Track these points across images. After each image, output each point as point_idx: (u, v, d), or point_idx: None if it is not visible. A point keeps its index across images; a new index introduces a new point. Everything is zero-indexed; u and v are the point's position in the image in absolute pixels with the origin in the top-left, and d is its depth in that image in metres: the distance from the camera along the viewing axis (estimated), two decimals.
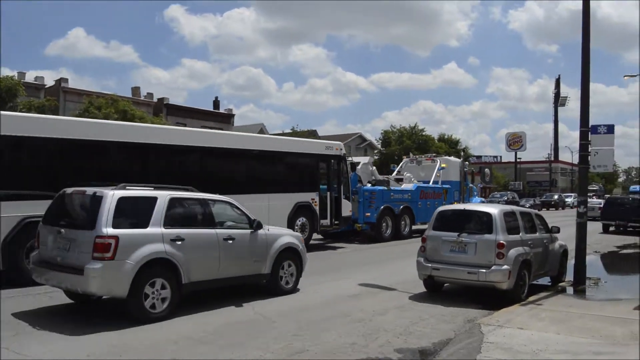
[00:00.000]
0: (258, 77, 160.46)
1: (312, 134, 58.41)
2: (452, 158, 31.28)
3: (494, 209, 10.62)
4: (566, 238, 14.43)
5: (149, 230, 8.55)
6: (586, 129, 12.17)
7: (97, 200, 8.32)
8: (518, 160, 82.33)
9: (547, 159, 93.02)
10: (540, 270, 11.75)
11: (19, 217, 11.24)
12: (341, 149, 19.82)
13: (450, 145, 64.11)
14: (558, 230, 12.74)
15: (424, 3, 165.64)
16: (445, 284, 11.50)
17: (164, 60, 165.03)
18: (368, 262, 16.09)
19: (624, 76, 38.11)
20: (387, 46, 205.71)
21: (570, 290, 12.40)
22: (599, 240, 24.92)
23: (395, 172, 27.97)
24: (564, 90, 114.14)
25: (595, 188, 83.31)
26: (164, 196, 8.92)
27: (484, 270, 9.88)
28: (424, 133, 61.71)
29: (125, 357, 6.95)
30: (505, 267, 9.90)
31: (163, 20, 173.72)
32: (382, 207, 22.26)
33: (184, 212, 9.22)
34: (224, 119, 48.35)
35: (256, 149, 16.36)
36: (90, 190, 8.71)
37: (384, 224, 22.53)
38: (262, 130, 54.97)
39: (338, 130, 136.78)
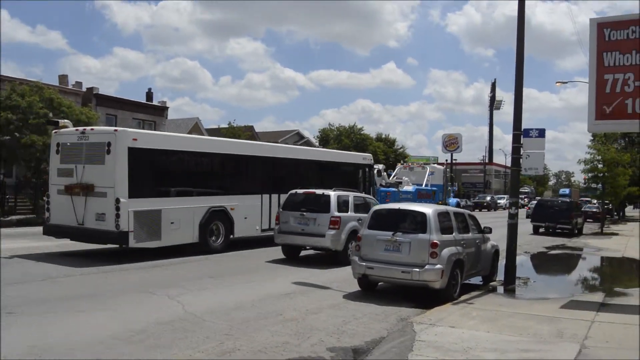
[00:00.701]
0: (194, 70, 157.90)
1: (249, 129, 57.63)
2: (437, 165, 41.54)
3: (428, 209, 10.76)
4: (498, 238, 14.61)
5: (350, 214, 15.24)
6: (519, 132, 12.41)
7: (327, 197, 15.22)
8: (454, 161, 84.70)
9: (482, 161, 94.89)
10: (472, 270, 11.96)
11: (207, 207, 16.71)
12: (370, 159, 24.85)
13: (387, 145, 64.26)
14: (490, 231, 12.97)
15: (364, 2, 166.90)
16: (380, 283, 11.52)
17: (94, 48, 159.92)
18: None
19: (556, 82, 39.62)
20: (326, 43, 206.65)
21: (500, 289, 12.56)
22: (529, 241, 25.66)
23: (393, 177, 34.52)
24: (499, 94, 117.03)
25: (527, 190, 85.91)
26: (350, 195, 15.76)
27: (418, 269, 10.03)
28: (362, 132, 61.69)
29: (46, 357, 6.81)
30: (438, 266, 10.11)
31: (94, 7, 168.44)
32: None
33: (364, 203, 15.82)
34: (157, 112, 47.32)
35: (324, 160, 22.15)
36: (319, 191, 15.64)
37: None
38: (197, 124, 54.14)
39: (276, 127, 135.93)
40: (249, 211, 17.99)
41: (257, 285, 11.86)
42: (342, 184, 19.57)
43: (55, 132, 15.88)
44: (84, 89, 42.70)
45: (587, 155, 34.26)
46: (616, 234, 32.50)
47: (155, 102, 48.85)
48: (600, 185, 35.82)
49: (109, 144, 14.54)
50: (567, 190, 78.05)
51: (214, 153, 17.05)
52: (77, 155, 15.15)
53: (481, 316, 9.48)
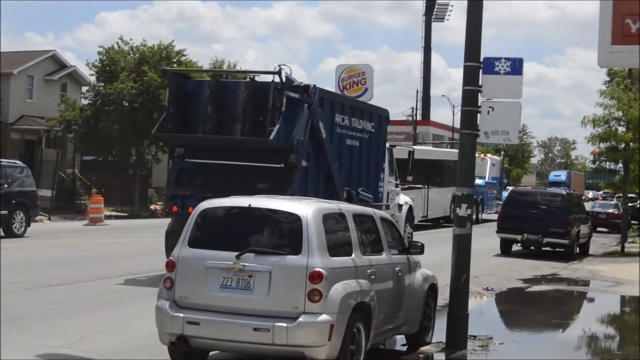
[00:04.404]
0: None
1: None
2: (496, 157, 47.89)
3: (305, 207, 8.62)
4: (437, 263, 13.63)
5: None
6: (476, 65, 10.34)
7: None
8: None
9: (410, 119, 63.97)
10: (388, 324, 9.81)
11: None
12: None
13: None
14: (421, 249, 10.52)
15: None
16: (213, 352, 9.00)
17: None
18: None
19: None
20: None
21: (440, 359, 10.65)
22: (494, 267, 21.05)
23: None
24: None
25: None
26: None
27: (285, 324, 7.94)
28: (184, 56, 43.84)
29: None
30: (324, 317, 8.03)
31: None
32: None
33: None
34: None
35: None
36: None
37: (474, 210, 36.50)
38: None
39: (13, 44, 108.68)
40: None
41: None
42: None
43: None
44: None
45: (598, 111, 24.99)
46: None
47: None
48: (620, 164, 27.01)
49: None
50: (562, 175, 69.83)
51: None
52: None
53: None
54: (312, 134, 15.62)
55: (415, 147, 32.60)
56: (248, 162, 14.79)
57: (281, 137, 14.07)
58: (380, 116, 19.40)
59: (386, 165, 20.66)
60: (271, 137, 13.86)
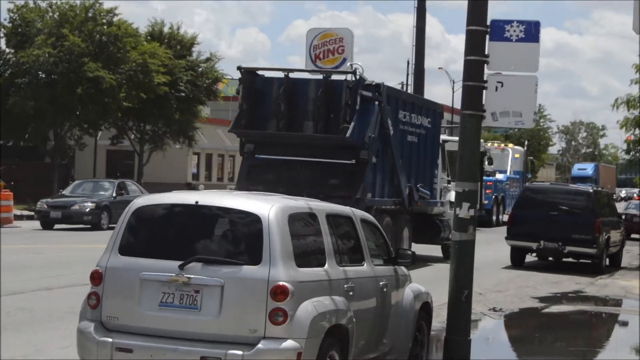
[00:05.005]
0: None
1: None
2: (519, 147, 49.55)
3: (266, 206, 8.70)
4: (431, 277, 14.60)
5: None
6: (481, 29, 10.46)
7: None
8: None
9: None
10: (370, 352, 9.88)
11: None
12: None
13: (179, 50, 50.03)
14: (411, 259, 10.74)
15: None
16: None
17: None
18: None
19: None
20: None
21: None
22: (502, 282, 21.52)
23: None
24: None
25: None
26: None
27: (240, 352, 8.01)
28: (115, 16, 43.80)
29: None
30: (289, 343, 8.06)
31: None
32: (493, 196, 38.31)
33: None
34: None
35: None
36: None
37: (494, 211, 39.66)
38: None
39: None
40: None
41: None
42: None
43: None
44: None
45: (634, 90, 26.22)
46: None
47: None
48: None
49: None
50: (588, 168, 72.74)
51: None
52: None
53: None
54: (380, 131, 19.56)
55: (444, 137, 34.44)
56: (319, 159, 19.04)
57: (355, 134, 18.13)
58: (435, 111, 24.02)
59: (439, 161, 25.08)
60: (348, 134, 17.93)
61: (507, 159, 43.52)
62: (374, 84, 19.17)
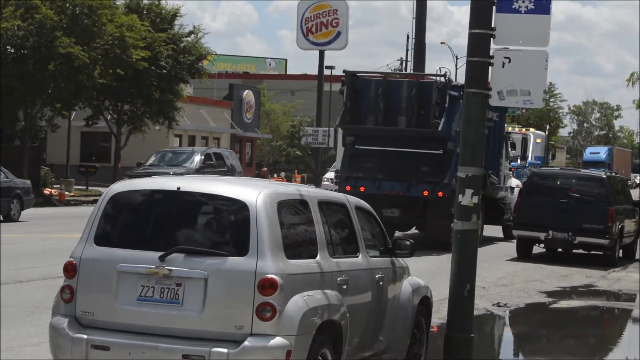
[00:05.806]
0: None
1: None
2: (540, 132, 52.48)
3: (253, 192, 8.66)
4: (429, 270, 15.08)
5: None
6: (487, 1, 10.44)
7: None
8: (329, 67, 60.31)
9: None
10: (365, 350, 9.92)
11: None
12: None
13: (158, 24, 49.53)
14: (410, 251, 10.72)
15: None
16: None
17: None
18: None
19: None
20: None
21: None
22: (508, 275, 21.68)
23: None
24: None
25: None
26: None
27: (225, 350, 8.05)
28: None
29: None
30: (278, 340, 8.11)
31: None
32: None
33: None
34: None
35: None
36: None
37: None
38: None
39: None
40: None
41: None
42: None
43: None
44: None
45: None
46: None
47: None
48: None
49: None
50: (602, 152, 73.42)
51: None
52: None
53: None
54: None
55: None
56: (412, 149, 24.54)
57: (444, 128, 23.61)
58: (501, 106, 30.24)
59: (503, 150, 30.41)
60: (439, 128, 23.46)
61: (528, 145, 44.70)
62: (459, 85, 23.57)
